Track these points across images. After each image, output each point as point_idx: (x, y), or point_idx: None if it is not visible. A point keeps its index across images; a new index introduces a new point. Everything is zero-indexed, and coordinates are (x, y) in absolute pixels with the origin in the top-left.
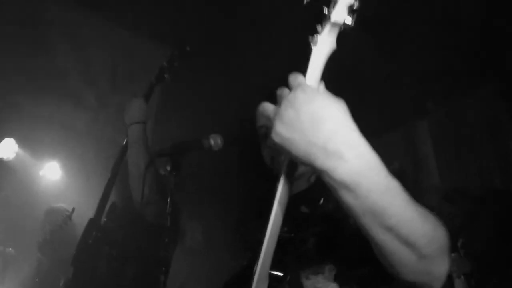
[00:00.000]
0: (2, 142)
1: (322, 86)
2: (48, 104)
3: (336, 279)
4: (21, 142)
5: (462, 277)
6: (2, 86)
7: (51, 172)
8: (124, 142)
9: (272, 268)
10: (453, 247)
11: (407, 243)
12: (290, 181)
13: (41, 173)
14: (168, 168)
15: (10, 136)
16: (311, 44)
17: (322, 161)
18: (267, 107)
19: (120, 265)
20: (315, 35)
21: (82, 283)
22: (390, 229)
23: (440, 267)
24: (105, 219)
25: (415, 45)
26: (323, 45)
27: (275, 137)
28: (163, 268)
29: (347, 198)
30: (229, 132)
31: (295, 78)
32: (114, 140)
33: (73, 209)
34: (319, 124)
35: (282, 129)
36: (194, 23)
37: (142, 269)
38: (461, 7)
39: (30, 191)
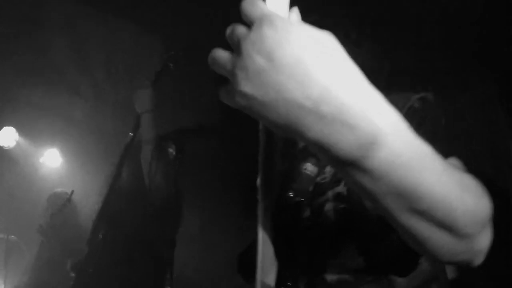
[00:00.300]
0: (2, 130)
1: (295, 14)
2: (45, 95)
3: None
4: (20, 130)
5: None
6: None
7: (51, 159)
8: (132, 131)
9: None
10: None
11: (443, 226)
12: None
13: (41, 160)
14: (173, 152)
15: (9, 125)
16: None
17: (316, 133)
18: (220, 55)
19: (126, 249)
20: None
21: (93, 264)
22: (421, 213)
23: (482, 242)
24: (109, 205)
25: (411, 42)
26: None
27: (239, 100)
28: (168, 252)
29: (359, 178)
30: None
31: (253, 4)
32: (112, 129)
33: (72, 192)
34: (306, 74)
35: (248, 88)
36: (193, 15)
37: (148, 253)
38: (458, 5)
39: (31, 178)
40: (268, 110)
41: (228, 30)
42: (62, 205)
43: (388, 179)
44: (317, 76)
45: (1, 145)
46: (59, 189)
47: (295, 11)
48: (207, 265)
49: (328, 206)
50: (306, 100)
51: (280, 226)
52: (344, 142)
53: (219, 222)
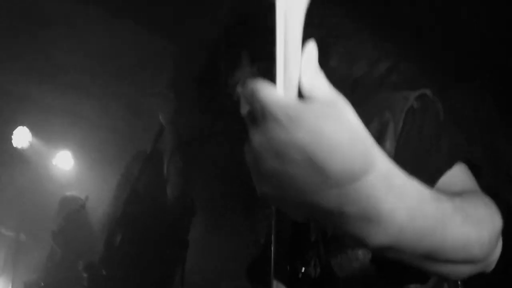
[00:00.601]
0: (16, 131)
1: (307, 76)
2: (56, 95)
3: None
4: (34, 131)
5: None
6: (11, 79)
7: (63, 161)
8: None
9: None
10: None
11: (464, 262)
12: None
13: (53, 161)
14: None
15: (23, 125)
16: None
17: (340, 228)
18: (246, 149)
19: (141, 251)
20: None
21: (107, 265)
22: (446, 261)
23: (495, 254)
24: (124, 207)
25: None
26: None
27: (260, 194)
28: (181, 253)
29: (385, 253)
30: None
31: (252, 96)
32: (124, 131)
33: (87, 198)
34: (321, 174)
35: (264, 187)
36: (198, 15)
37: (161, 254)
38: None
39: (43, 179)
40: (288, 209)
41: (243, 109)
42: (76, 210)
43: (415, 250)
44: (331, 172)
45: (15, 145)
46: (71, 193)
47: (311, 51)
48: (208, 265)
49: None
50: (327, 203)
51: None
52: (372, 235)
53: (222, 225)
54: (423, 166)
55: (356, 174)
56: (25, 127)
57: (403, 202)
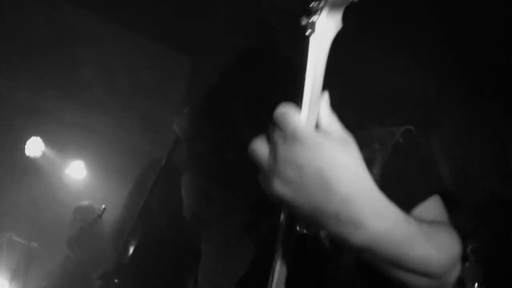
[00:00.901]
0: (30, 140)
1: (325, 114)
2: (72, 108)
3: None
4: (47, 141)
5: (476, 285)
6: (28, 91)
7: (76, 171)
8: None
9: None
10: (464, 255)
11: (424, 275)
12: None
13: (66, 171)
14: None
15: (36, 135)
16: (306, 30)
17: (334, 229)
18: (259, 152)
19: (155, 261)
20: (310, 17)
21: (120, 275)
22: (409, 271)
23: (453, 276)
24: (138, 218)
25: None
26: (325, 29)
27: (272, 193)
28: (196, 259)
29: (362, 254)
30: None
31: (285, 117)
32: (138, 142)
33: (104, 209)
34: (328, 189)
35: (281, 189)
36: (214, 32)
37: (176, 264)
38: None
39: (56, 188)
40: (296, 207)
41: (270, 127)
42: (93, 220)
43: (386, 256)
44: (339, 191)
45: (28, 154)
46: (85, 202)
47: (325, 103)
48: (220, 277)
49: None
50: (328, 208)
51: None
52: (356, 236)
53: (234, 238)
54: (403, 194)
55: (352, 193)
56: (38, 137)
57: (382, 216)
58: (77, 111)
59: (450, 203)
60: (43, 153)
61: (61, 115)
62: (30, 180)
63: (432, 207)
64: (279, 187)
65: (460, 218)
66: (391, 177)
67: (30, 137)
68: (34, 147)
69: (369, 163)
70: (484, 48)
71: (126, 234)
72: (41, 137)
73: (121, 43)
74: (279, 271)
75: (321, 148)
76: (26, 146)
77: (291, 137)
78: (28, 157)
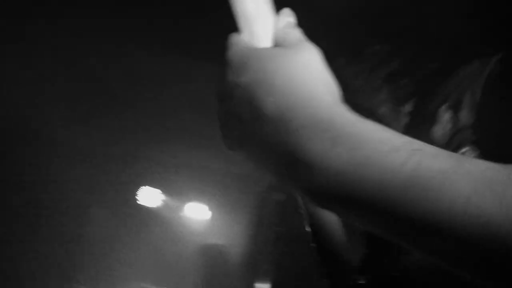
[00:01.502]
0: (144, 190)
1: (281, 32)
2: (178, 152)
3: None
4: (163, 188)
5: None
6: (134, 145)
7: (195, 212)
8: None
9: None
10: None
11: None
12: None
13: (186, 214)
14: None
15: (151, 184)
16: None
17: (275, 173)
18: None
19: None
20: None
21: None
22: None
23: None
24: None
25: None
26: None
27: (224, 141)
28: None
29: (334, 208)
30: None
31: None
32: (247, 175)
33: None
34: (258, 118)
35: (225, 131)
36: None
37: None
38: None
39: (177, 232)
40: (248, 157)
41: None
42: (222, 258)
43: (372, 203)
44: (264, 111)
45: (145, 204)
46: (210, 242)
47: (286, 13)
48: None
49: None
50: (264, 143)
51: None
52: (305, 178)
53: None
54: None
55: (292, 117)
56: (150, 186)
57: (343, 145)
58: (183, 152)
59: None
60: (161, 200)
61: (168, 159)
62: (152, 228)
63: None
64: (222, 131)
65: None
66: (490, 120)
67: (140, 187)
68: (147, 195)
69: (455, 107)
70: None
71: (254, 267)
72: (154, 184)
73: (213, 81)
74: None
75: (247, 64)
76: (139, 196)
77: (228, 59)
78: (143, 207)
